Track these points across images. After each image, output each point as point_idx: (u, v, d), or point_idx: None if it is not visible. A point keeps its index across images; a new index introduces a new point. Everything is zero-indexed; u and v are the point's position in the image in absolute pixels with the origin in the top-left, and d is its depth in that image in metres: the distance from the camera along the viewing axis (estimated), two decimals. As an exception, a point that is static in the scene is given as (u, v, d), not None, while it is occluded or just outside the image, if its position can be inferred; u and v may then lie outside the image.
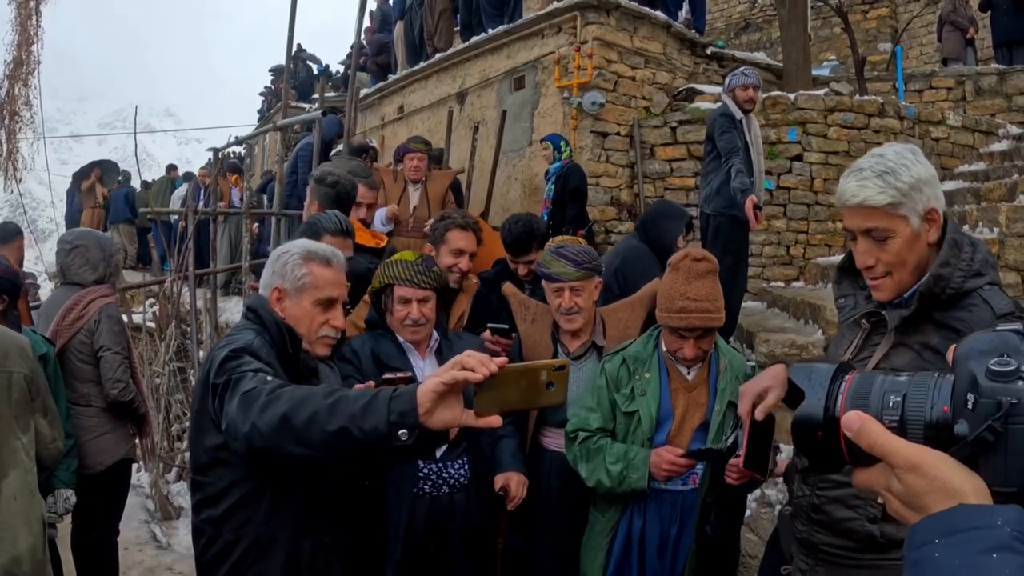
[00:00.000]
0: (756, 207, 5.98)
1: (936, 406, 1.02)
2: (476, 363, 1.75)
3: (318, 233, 3.77)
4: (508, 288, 4.26)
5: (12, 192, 10.00)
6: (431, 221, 4.93)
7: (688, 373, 3.38)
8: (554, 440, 3.81)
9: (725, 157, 6.33)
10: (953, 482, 0.95)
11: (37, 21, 9.30)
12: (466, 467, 3.60)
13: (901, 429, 1.03)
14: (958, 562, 0.86)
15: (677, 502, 3.31)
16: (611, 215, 9.49)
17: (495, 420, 1.82)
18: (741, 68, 7.00)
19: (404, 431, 1.81)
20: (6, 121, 9.40)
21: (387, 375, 3.03)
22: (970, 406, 0.98)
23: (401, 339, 3.60)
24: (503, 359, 1.79)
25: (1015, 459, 0.96)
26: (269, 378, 2.25)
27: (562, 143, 8.33)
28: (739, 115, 6.51)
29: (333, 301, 2.69)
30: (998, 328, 1.05)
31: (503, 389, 1.78)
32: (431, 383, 1.79)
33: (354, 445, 1.92)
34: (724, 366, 3.35)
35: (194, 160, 21.36)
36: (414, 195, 7.15)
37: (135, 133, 14.30)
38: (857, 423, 1.04)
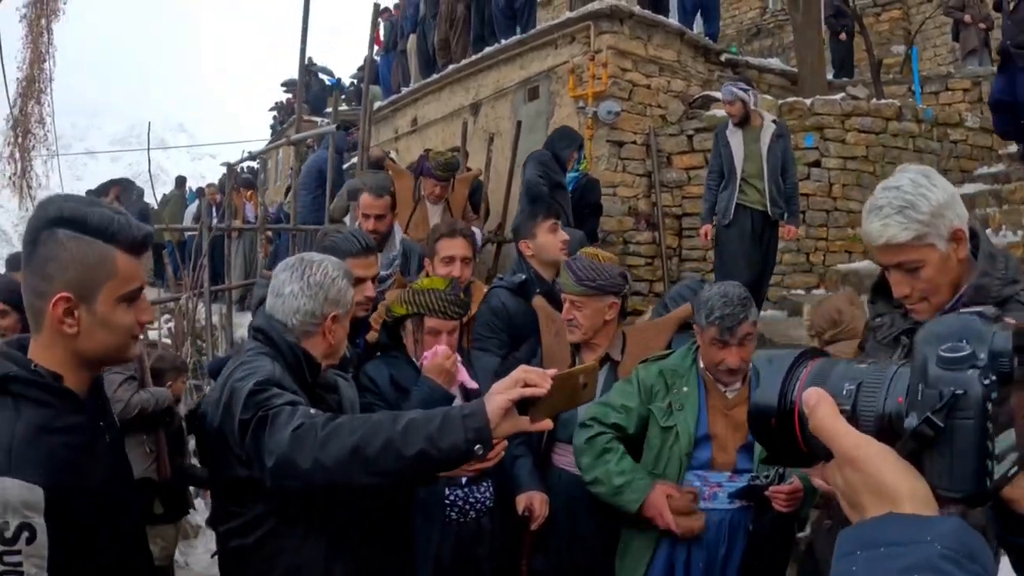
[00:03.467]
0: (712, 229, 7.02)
1: (891, 397, 0.92)
2: (537, 378, 1.97)
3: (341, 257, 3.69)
4: (538, 301, 4.27)
5: (27, 211, 9.94)
6: None
7: (727, 392, 3.32)
8: (563, 458, 3.80)
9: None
10: (888, 482, 0.86)
11: (48, 39, 9.33)
12: (490, 490, 3.57)
13: (853, 420, 0.93)
14: None
15: (724, 521, 3.24)
16: (628, 225, 9.46)
17: (547, 423, 2.07)
18: (724, 85, 7.29)
19: (479, 446, 1.98)
20: (19, 139, 9.41)
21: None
22: (919, 396, 0.88)
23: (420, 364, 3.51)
24: (553, 370, 2.03)
25: (960, 461, 0.85)
26: (312, 411, 2.25)
27: (583, 154, 8.33)
28: (730, 127, 6.93)
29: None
30: (961, 312, 0.93)
31: (552, 396, 2.00)
32: (499, 400, 1.97)
33: (431, 465, 2.08)
34: None
35: (208, 175, 21.40)
36: (434, 210, 6.89)
37: (148, 150, 14.35)
38: (814, 399, 0.95)
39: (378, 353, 3.79)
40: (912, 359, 0.92)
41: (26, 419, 1.78)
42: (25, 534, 1.66)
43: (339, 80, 24.36)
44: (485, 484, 3.53)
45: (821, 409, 0.94)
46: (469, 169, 8.80)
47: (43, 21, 9.25)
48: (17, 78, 9.22)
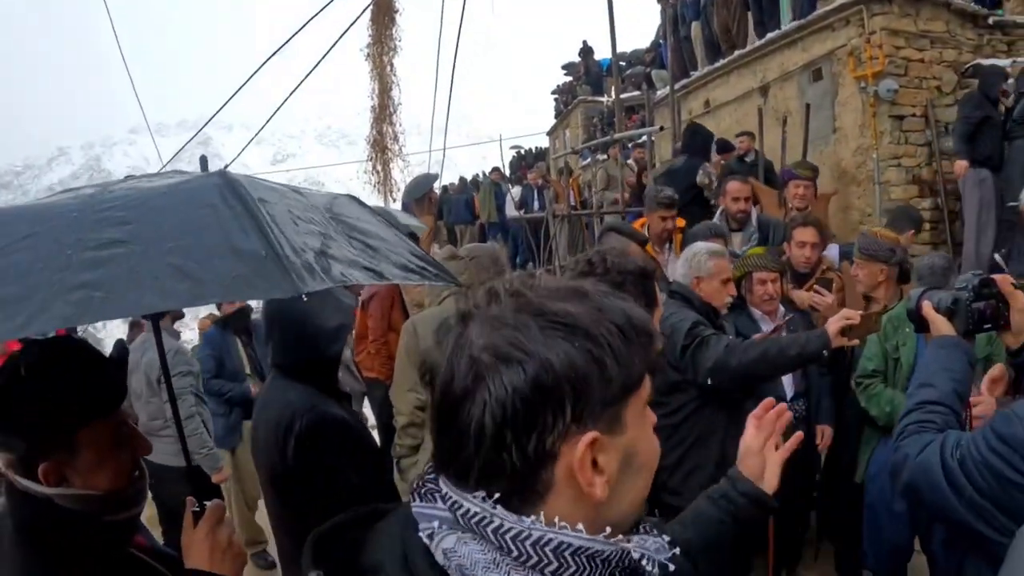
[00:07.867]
0: None
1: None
2: (853, 315, 3.51)
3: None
4: (845, 266, 5.68)
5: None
6: None
7: None
8: None
9: None
10: None
11: (391, 71, 10.98)
12: (805, 405, 5.03)
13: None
14: None
15: None
16: (913, 193, 10.08)
17: (856, 341, 3.71)
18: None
19: (826, 351, 3.50)
20: (379, 155, 11.14)
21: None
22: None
23: (757, 313, 4.95)
24: (860, 311, 3.53)
25: None
26: (729, 336, 3.83)
27: None
28: None
29: (728, 279, 4.12)
30: None
31: (860, 327, 3.55)
32: (834, 324, 3.50)
33: (801, 362, 3.70)
34: None
35: (489, 159, 23.24)
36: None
37: (444, 149, 16.40)
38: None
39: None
40: None
41: None
42: None
43: (610, 63, 25.03)
44: (802, 399, 4.99)
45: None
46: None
47: (385, 59, 10.88)
48: (371, 106, 11.05)
